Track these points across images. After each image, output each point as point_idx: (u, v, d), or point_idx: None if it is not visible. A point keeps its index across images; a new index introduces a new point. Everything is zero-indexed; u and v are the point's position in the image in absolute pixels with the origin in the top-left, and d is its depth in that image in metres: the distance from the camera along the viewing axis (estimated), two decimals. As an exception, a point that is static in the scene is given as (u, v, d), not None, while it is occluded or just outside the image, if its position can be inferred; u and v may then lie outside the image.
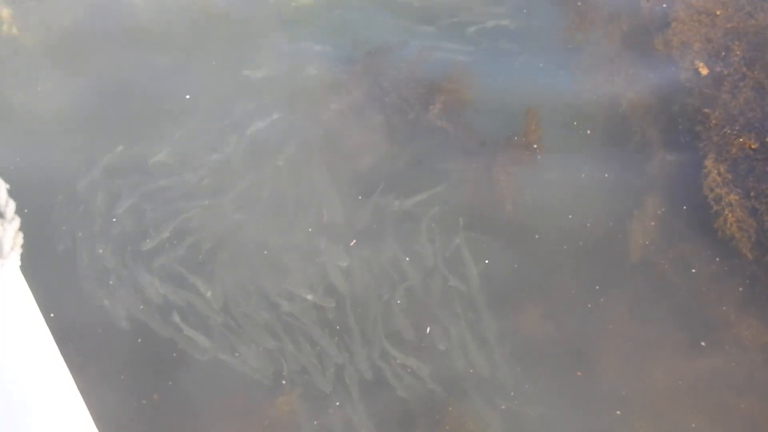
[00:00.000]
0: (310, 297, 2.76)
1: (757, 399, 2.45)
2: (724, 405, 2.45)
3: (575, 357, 2.57)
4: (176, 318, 2.75)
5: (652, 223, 2.77)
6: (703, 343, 2.52)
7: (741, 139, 2.83)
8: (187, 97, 3.24)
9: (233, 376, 2.63)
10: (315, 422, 2.53)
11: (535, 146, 3.00)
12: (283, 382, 2.60)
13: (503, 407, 2.50)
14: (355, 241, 2.84)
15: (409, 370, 2.61)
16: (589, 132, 3.03)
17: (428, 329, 2.66)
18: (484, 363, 2.59)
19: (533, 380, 2.54)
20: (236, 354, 2.66)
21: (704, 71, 3.06)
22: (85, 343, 2.69)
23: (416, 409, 2.53)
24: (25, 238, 2.68)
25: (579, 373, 2.52)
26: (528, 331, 2.64)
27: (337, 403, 2.56)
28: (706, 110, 2.95)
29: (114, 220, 2.97)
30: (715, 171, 2.77)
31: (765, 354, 2.51)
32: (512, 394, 2.52)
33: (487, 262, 2.78)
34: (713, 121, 2.91)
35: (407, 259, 2.81)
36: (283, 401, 2.58)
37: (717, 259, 2.67)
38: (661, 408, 2.46)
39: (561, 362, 2.57)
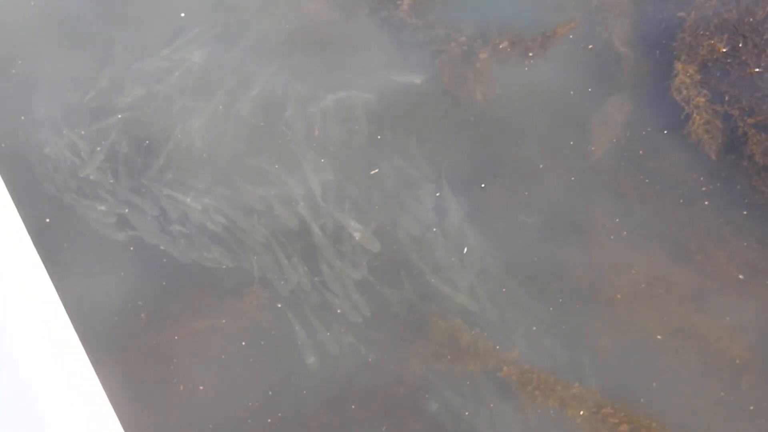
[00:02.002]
0: (298, 205, 2.85)
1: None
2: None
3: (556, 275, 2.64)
4: (161, 224, 2.85)
5: (622, 127, 2.82)
6: (741, 276, 2.56)
7: (712, 41, 2.85)
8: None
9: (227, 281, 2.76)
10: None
11: (531, 54, 3.00)
12: (278, 305, 2.71)
13: (534, 328, 2.58)
14: (377, 170, 2.88)
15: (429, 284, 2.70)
16: (590, 47, 3.00)
17: (465, 249, 2.72)
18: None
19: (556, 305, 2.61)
20: (224, 266, 2.77)
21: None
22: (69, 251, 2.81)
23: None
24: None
25: (618, 296, 2.58)
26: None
27: (339, 312, 2.68)
28: (681, 13, 2.95)
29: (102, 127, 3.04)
30: (684, 72, 2.80)
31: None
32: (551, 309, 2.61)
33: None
34: (688, 24, 2.91)
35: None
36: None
37: (684, 161, 2.76)
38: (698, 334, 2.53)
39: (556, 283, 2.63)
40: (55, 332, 2.49)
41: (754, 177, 2.67)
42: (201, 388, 2.59)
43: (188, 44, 3.17)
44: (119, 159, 2.97)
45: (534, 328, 2.56)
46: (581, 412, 2.44)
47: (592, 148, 2.81)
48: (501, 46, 3.03)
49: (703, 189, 2.69)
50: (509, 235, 2.72)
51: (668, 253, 2.63)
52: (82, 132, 3.02)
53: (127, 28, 3.24)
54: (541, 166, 2.81)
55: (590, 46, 2.97)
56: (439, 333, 2.61)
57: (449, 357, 2.57)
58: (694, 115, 2.74)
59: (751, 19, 2.86)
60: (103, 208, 2.88)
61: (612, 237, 2.67)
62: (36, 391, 2.33)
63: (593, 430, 2.42)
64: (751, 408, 2.39)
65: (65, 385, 2.38)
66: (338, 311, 2.66)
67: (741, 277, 2.56)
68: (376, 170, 2.87)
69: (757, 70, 2.79)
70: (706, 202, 2.67)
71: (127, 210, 2.88)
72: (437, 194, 2.80)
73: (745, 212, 2.64)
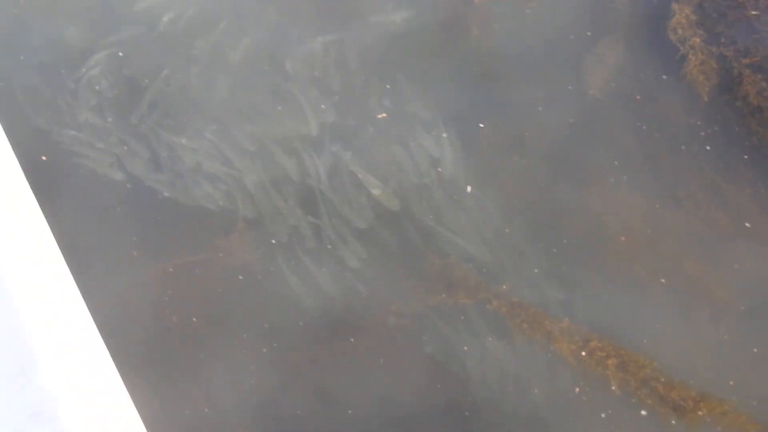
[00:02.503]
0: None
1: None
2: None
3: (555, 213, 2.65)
4: (157, 164, 2.87)
5: (619, 70, 2.83)
6: (747, 224, 2.55)
7: (709, -17, 2.86)
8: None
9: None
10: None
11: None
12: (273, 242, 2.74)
13: (534, 270, 2.58)
14: (385, 114, 2.88)
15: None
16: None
17: (468, 188, 2.73)
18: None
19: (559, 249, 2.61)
20: (220, 203, 2.78)
21: None
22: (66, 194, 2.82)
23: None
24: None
25: (623, 239, 2.58)
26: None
27: (336, 251, 2.70)
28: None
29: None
30: (681, 13, 2.80)
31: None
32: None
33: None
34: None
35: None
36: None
37: (681, 105, 2.76)
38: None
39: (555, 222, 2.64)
40: (47, 265, 2.50)
41: (748, 117, 2.67)
42: (194, 320, 2.62)
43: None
44: (114, 99, 2.98)
45: (534, 270, 2.58)
46: (569, 346, 2.47)
47: (591, 92, 2.81)
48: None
49: (702, 134, 2.69)
50: (508, 177, 2.74)
51: (670, 199, 2.63)
52: (80, 70, 3.03)
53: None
54: (540, 108, 2.82)
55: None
56: (434, 270, 2.63)
57: (444, 294, 2.59)
58: (690, 55, 2.75)
59: (750, -38, 2.86)
60: (101, 146, 2.89)
61: (612, 179, 2.68)
62: (30, 326, 2.35)
63: (579, 363, 2.45)
64: (755, 350, 2.41)
65: (56, 315, 2.39)
66: (334, 250, 2.69)
67: (747, 225, 2.56)
68: (384, 115, 2.87)
69: (754, 12, 2.79)
70: (708, 147, 2.67)
71: (123, 149, 2.90)
72: (443, 135, 2.81)
73: (745, 156, 2.64)
